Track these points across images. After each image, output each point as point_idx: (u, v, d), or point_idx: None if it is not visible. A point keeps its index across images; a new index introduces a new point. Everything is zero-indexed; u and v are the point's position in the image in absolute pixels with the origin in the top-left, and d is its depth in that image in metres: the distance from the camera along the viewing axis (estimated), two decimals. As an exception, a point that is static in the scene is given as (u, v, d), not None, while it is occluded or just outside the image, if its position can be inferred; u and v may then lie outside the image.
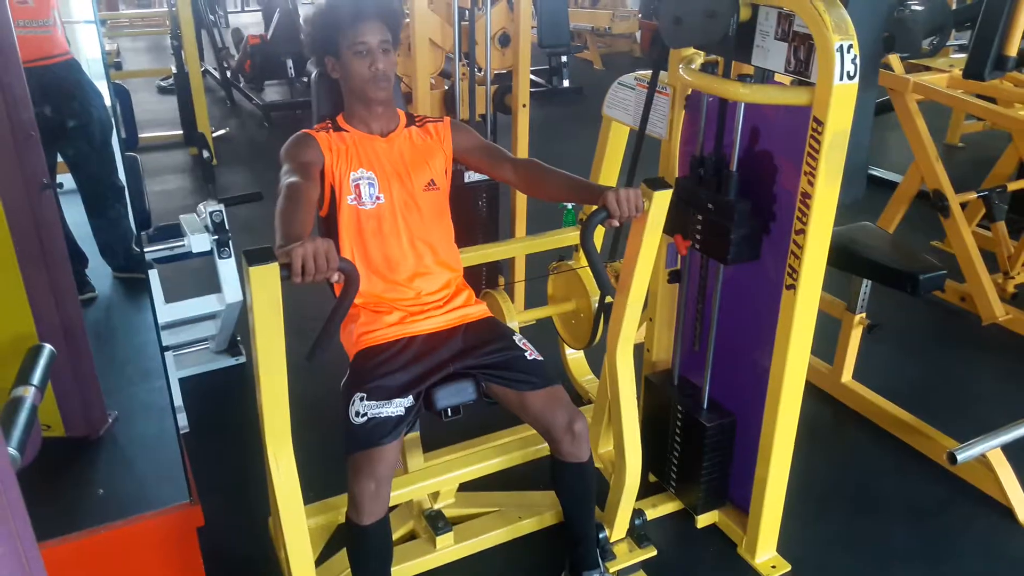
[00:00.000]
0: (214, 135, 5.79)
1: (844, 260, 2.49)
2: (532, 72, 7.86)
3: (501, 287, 3.25)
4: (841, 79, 1.59)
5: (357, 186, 1.85)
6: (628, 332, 1.96)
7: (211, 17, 7.24)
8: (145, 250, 2.37)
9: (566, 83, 7.32)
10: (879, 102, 3.84)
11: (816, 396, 2.83)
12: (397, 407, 1.74)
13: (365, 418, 1.71)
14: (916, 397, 2.78)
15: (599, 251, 2.30)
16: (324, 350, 1.56)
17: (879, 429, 2.68)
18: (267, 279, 1.39)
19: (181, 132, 5.73)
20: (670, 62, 2.00)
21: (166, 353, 2.63)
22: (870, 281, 2.58)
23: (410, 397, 1.77)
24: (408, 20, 2.66)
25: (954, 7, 4.78)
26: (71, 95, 2.98)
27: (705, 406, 2.13)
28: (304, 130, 1.89)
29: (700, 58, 1.97)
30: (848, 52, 1.58)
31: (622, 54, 9.10)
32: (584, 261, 2.70)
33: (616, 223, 1.69)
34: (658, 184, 1.75)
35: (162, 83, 7.38)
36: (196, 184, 5.26)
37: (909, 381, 2.97)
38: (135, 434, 2.73)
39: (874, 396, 2.72)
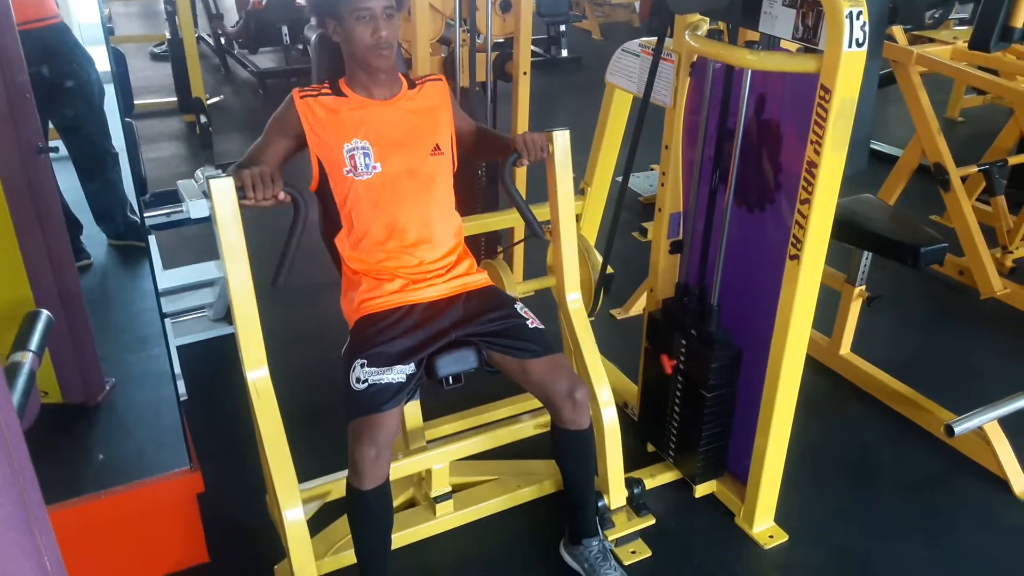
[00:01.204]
0: (209, 102, 5.71)
1: (845, 232, 2.48)
2: (531, 41, 7.78)
3: (500, 256, 3.24)
4: (850, 46, 1.57)
5: (352, 157, 1.82)
6: (571, 268, 2.08)
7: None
8: (144, 216, 2.34)
9: (564, 53, 7.24)
10: (881, 74, 3.82)
11: (815, 368, 2.83)
12: (398, 374, 1.73)
13: (366, 384, 1.70)
14: (914, 370, 2.79)
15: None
16: (287, 274, 1.72)
17: (877, 402, 2.69)
18: (224, 191, 1.63)
19: (175, 99, 5.65)
20: (675, 28, 1.98)
21: (166, 321, 2.61)
22: (870, 253, 2.58)
23: (411, 364, 1.76)
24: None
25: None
26: (61, 59, 2.93)
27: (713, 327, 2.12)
28: (296, 90, 1.87)
29: (706, 24, 1.94)
30: (857, 19, 1.56)
31: (621, 24, 9.00)
32: (584, 228, 2.69)
33: (525, 162, 1.91)
34: (557, 128, 1.96)
35: (155, 49, 7.28)
36: (191, 151, 5.20)
37: (907, 354, 2.98)
38: (133, 401, 2.72)
39: (872, 369, 2.73)
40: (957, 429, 2.25)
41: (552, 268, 2.81)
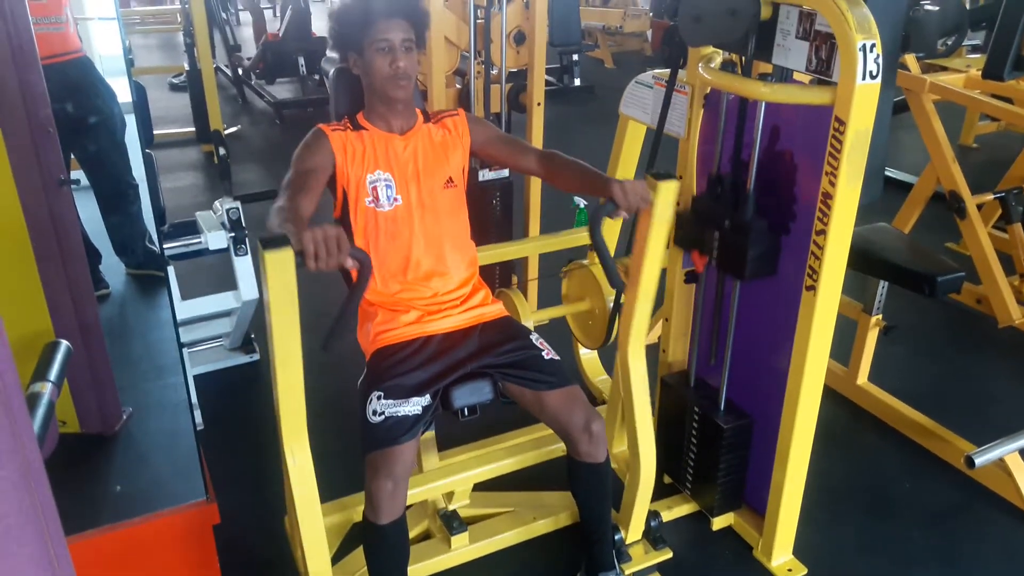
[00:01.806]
0: (226, 132, 5.80)
1: (861, 261, 2.47)
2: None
3: (515, 286, 3.25)
4: (864, 79, 1.57)
5: (375, 188, 1.84)
6: (640, 328, 1.96)
7: (223, 15, 7.25)
8: (164, 247, 2.37)
9: (577, 82, 7.30)
10: (895, 102, 3.82)
11: (832, 398, 2.81)
12: (414, 406, 1.73)
13: (382, 417, 1.70)
14: (932, 399, 2.77)
15: (613, 249, 2.30)
16: (339, 339, 1.58)
17: (895, 432, 2.66)
18: (282, 264, 1.40)
19: (194, 129, 5.74)
20: (689, 60, 1.99)
21: (182, 351, 2.63)
22: (887, 283, 2.57)
23: (427, 396, 1.77)
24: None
25: (968, 7, 4.76)
26: (85, 94, 2.99)
27: (722, 407, 2.12)
28: (320, 125, 1.89)
29: (719, 56, 1.96)
30: (871, 51, 1.56)
31: (633, 53, 9.08)
32: (598, 259, 2.69)
33: (624, 214, 1.72)
34: (664, 176, 1.76)
35: (174, 80, 7.40)
36: (209, 181, 5.27)
37: (925, 383, 2.96)
38: (150, 431, 2.74)
39: (890, 398, 2.71)
40: (978, 461, 2.22)
41: (567, 297, 2.81)
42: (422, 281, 1.89)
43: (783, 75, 1.82)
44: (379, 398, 1.73)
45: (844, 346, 2.74)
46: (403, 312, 1.88)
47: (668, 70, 2.10)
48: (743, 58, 1.82)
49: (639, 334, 1.97)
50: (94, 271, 3.55)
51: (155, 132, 6.04)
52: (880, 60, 1.58)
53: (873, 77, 1.58)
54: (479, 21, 2.73)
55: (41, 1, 2.90)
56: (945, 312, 3.45)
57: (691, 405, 2.17)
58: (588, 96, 7.27)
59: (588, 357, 2.90)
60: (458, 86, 2.99)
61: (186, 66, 5.82)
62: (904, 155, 5.39)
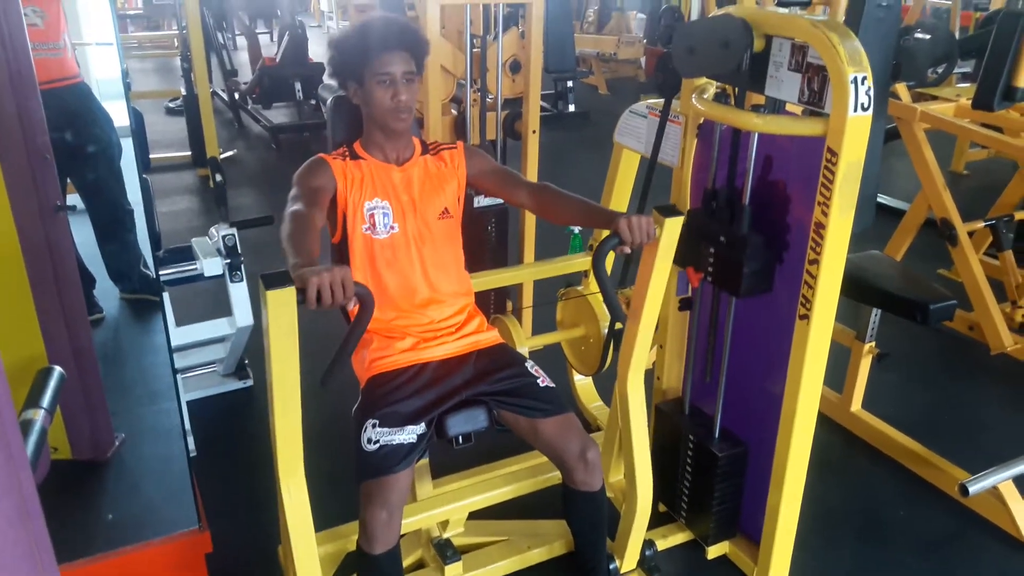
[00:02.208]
0: (222, 156, 5.82)
1: (854, 289, 2.48)
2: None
3: (509, 312, 3.26)
4: (855, 111, 1.59)
5: (372, 215, 1.85)
6: (639, 360, 1.96)
7: (220, 39, 7.30)
8: (160, 273, 2.37)
9: (572, 108, 7.35)
10: (886, 129, 3.87)
11: (826, 425, 2.81)
12: (409, 434, 1.73)
13: (377, 445, 1.70)
14: (926, 426, 2.77)
15: (609, 277, 2.31)
16: (337, 375, 1.56)
17: (889, 459, 2.67)
18: (284, 303, 1.40)
19: (189, 153, 5.76)
20: (683, 91, 2.02)
21: (176, 377, 2.63)
22: (879, 310, 2.58)
23: (422, 424, 1.76)
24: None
25: (958, 37, 4.83)
26: (83, 121, 2.99)
27: (716, 435, 2.12)
28: (320, 154, 1.90)
29: (712, 87, 1.98)
30: (862, 84, 1.59)
31: (627, 79, 9.16)
32: (594, 287, 2.70)
33: (628, 250, 1.71)
34: (669, 211, 1.76)
35: (170, 104, 7.43)
36: (204, 205, 5.28)
37: (918, 410, 2.96)
38: (142, 457, 2.72)
39: (884, 426, 2.71)
40: (971, 489, 2.22)
41: (562, 323, 2.82)
42: (418, 308, 1.90)
43: (775, 106, 1.85)
44: (374, 426, 1.73)
45: (837, 373, 2.75)
46: (399, 339, 1.89)
47: (662, 100, 2.13)
48: (736, 89, 1.85)
49: (639, 366, 1.98)
50: (88, 295, 3.54)
51: (151, 156, 6.07)
52: (871, 92, 1.60)
53: (865, 109, 1.60)
54: (475, 50, 2.75)
55: (39, 27, 2.92)
56: (938, 339, 3.46)
57: (685, 433, 2.17)
58: (583, 122, 7.32)
59: (583, 383, 2.90)
60: (454, 112, 3.01)
61: (183, 91, 5.85)
62: (896, 182, 5.43)
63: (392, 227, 1.86)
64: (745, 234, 1.86)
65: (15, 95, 2.16)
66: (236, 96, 7.14)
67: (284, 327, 1.42)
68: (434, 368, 1.87)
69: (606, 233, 1.73)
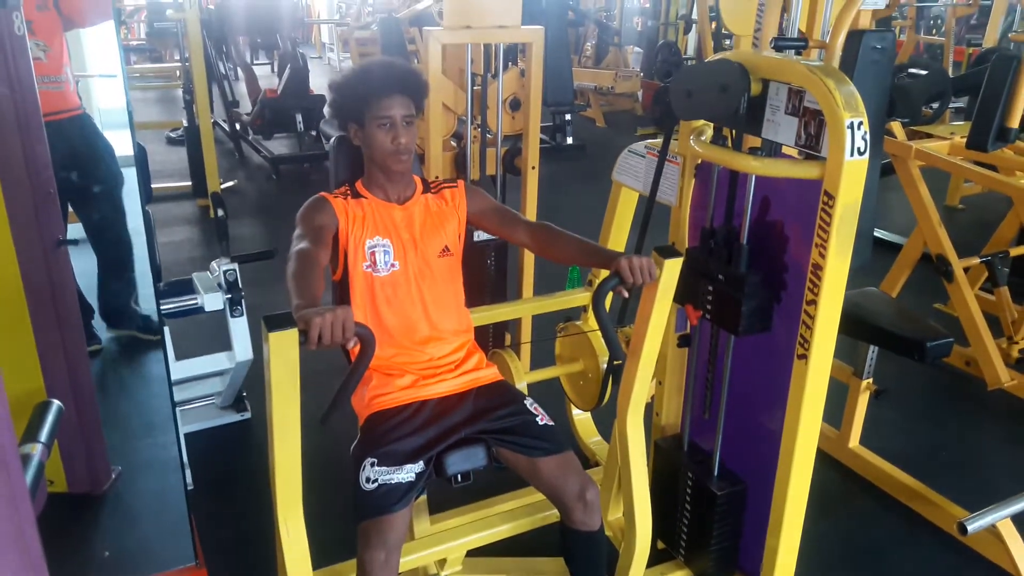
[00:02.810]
0: (222, 187, 5.85)
1: (850, 326, 2.49)
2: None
3: (508, 346, 3.26)
4: (852, 155, 1.62)
5: (372, 253, 1.87)
6: (639, 399, 1.97)
7: (222, 71, 7.37)
8: (161, 307, 2.38)
9: (570, 140, 7.43)
10: (881, 164, 3.91)
11: (824, 461, 2.81)
12: (408, 473, 1.73)
13: (376, 484, 1.70)
14: (924, 462, 2.78)
15: (608, 313, 2.32)
16: (337, 414, 1.57)
17: (887, 496, 2.66)
18: (286, 345, 1.41)
19: (190, 183, 5.80)
20: (680, 133, 2.05)
21: (176, 411, 2.62)
22: (877, 347, 2.59)
23: (421, 463, 1.76)
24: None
25: (951, 74, 4.89)
26: (81, 151, 3.02)
27: (716, 473, 2.12)
28: (322, 193, 1.92)
29: (710, 129, 2.01)
30: (859, 129, 1.61)
31: (624, 112, 9.25)
32: (593, 323, 2.71)
33: (627, 293, 1.74)
34: (669, 252, 1.78)
35: (171, 134, 7.49)
36: (204, 236, 5.31)
37: (916, 446, 2.96)
38: (139, 490, 2.71)
39: (882, 462, 2.71)
40: (970, 527, 2.22)
41: (561, 358, 2.83)
42: (418, 346, 1.91)
43: (772, 148, 1.87)
44: (372, 465, 1.73)
45: (835, 408, 2.76)
46: (398, 376, 1.89)
47: (660, 140, 2.15)
48: (734, 132, 1.87)
49: (638, 404, 1.98)
50: (87, 326, 3.55)
51: (153, 185, 6.10)
52: (867, 137, 1.62)
53: (861, 153, 1.63)
54: (476, 88, 2.79)
55: (42, 60, 2.96)
56: (935, 374, 3.47)
57: (684, 470, 2.17)
58: (580, 154, 7.39)
59: (581, 418, 2.90)
60: (454, 144, 3.04)
61: (184, 122, 5.90)
62: (891, 216, 5.47)
63: (393, 265, 1.88)
64: (743, 272, 1.88)
65: (20, 133, 2.18)
66: (237, 127, 7.20)
67: (286, 368, 1.43)
68: (433, 406, 1.87)
69: (606, 272, 1.75)
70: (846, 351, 2.72)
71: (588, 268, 2.75)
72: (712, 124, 2.01)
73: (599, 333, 2.76)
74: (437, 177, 2.75)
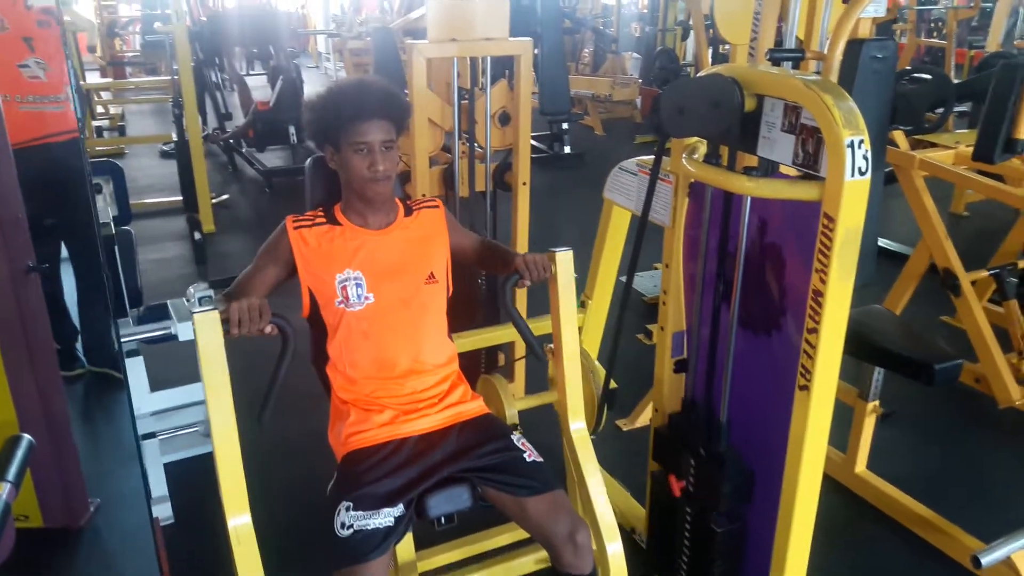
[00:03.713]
0: (214, 201, 5.76)
1: (855, 347, 2.39)
2: (533, 138, 7.86)
3: (502, 365, 3.17)
4: (852, 175, 1.52)
5: (344, 288, 1.78)
6: (575, 400, 1.98)
7: (214, 81, 7.29)
8: (123, 339, 2.29)
9: (567, 149, 7.34)
10: (884, 172, 3.80)
11: (829, 486, 2.70)
12: (386, 517, 1.63)
13: (351, 530, 1.60)
14: (934, 488, 2.67)
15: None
16: (271, 410, 1.67)
17: (896, 524, 2.55)
18: (209, 324, 1.57)
19: (181, 198, 5.71)
20: (672, 150, 1.95)
21: (149, 441, 2.53)
22: (883, 368, 2.49)
23: (400, 506, 1.66)
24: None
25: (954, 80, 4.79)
26: (72, 173, 2.93)
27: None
28: (289, 219, 1.83)
29: (703, 146, 1.91)
30: (859, 148, 1.51)
31: (623, 120, 9.15)
32: (586, 341, 2.62)
33: (528, 283, 1.84)
34: (560, 249, 1.90)
35: (165, 148, 7.41)
36: (196, 252, 5.22)
37: (926, 470, 2.85)
38: (118, 524, 2.61)
39: (890, 488, 2.60)
40: (984, 560, 2.11)
41: (554, 381, 2.72)
42: (397, 380, 1.81)
43: (768, 168, 1.77)
44: (348, 509, 1.63)
45: (841, 431, 2.65)
46: (376, 412, 1.79)
47: (652, 158, 2.06)
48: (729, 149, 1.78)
49: (576, 406, 1.99)
50: (71, 349, 3.46)
51: (143, 200, 6.05)
52: (869, 155, 1.53)
53: (862, 173, 1.53)
54: (463, 102, 2.70)
55: (41, 80, 2.87)
56: (944, 392, 3.36)
57: (683, 504, 2.07)
58: (578, 163, 7.30)
59: (576, 444, 2.79)
60: (445, 162, 2.95)
61: (174, 136, 5.82)
62: (895, 224, 5.36)
63: (367, 297, 1.78)
64: (723, 451, 1.94)
65: (-16, 156, 2.09)
66: (222, 141, 7.11)
67: (213, 349, 1.57)
68: (414, 443, 1.77)
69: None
70: (851, 372, 2.61)
71: (581, 288, 2.66)
72: (705, 141, 1.92)
73: (592, 355, 2.67)
74: (424, 195, 2.66)
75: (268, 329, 1.60)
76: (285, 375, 1.66)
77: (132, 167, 7.33)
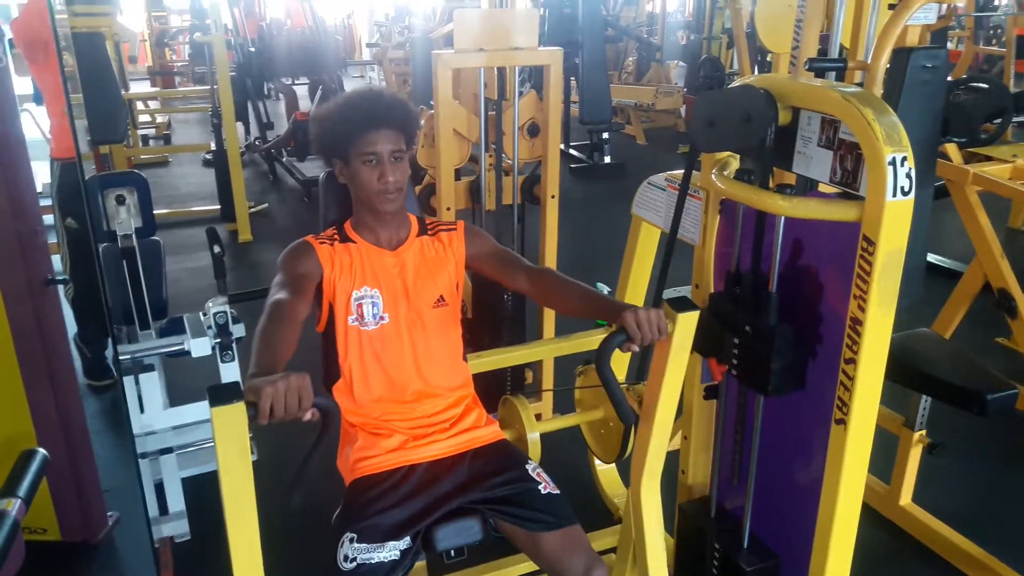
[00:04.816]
0: (252, 210, 5.79)
1: (900, 373, 2.25)
2: (573, 147, 7.80)
3: (528, 384, 3.08)
4: (894, 195, 1.40)
5: (360, 306, 1.70)
6: (654, 466, 1.76)
7: (257, 90, 7.32)
8: (136, 353, 2.26)
9: (607, 159, 7.22)
10: (936, 186, 3.62)
11: (871, 519, 2.55)
12: (391, 551, 1.55)
13: (354, 564, 1.53)
14: (986, 524, 2.50)
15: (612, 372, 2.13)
16: (303, 490, 1.42)
17: (942, 561, 2.39)
18: (232, 420, 1.25)
19: (220, 207, 5.76)
20: (703, 165, 1.84)
21: (167, 456, 2.49)
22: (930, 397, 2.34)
23: (407, 538, 1.58)
24: (432, 112, 2.56)
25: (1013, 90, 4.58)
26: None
27: (745, 545, 1.90)
28: (307, 237, 1.77)
29: (736, 161, 1.80)
30: (902, 165, 1.39)
31: (666, 129, 9.00)
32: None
33: (635, 348, 1.53)
34: (683, 305, 1.59)
35: (207, 156, 7.49)
36: (232, 261, 5.23)
37: (977, 505, 2.68)
38: (135, 538, 2.58)
39: (937, 524, 2.44)
40: (1040, 607, 1.96)
41: (581, 403, 2.62)
42: (409, 403, 1.73)
43: (807, 186, 1.66)
44: (351, 541, 1.55)
45: (884, 460, 2.50)
46: (385, 436, 1.72)
47: (681, 172, 1.95)
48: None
49: (653, 472, 1.78)
50: (102, 359, 3.47)
51: (183, 209, 6.11)
52: (912, 174, 1.40)
53: (905, 193, 1.41)
54: (490, 113, 2.62)
55: None
56: (999, 421, 3.16)
57: (711, 539, 1.95)
58: (618, 173, 7.17)
59: (605, 470, 2.69)
60: (472, 174, 2.87)
61: (213, 145, 5.87)
62: (947, 239, 5.13)
63: (382, 317, 1.71)
64: (772, 326, 1.66)
65: (1, 164, 2.07)
66: (263, 151, 7.16)
67: (234, 445, 1.26)
68: (423, 471, 1.69)
69: None
70: (896, 398, 2.46)
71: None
72: (738, 155, 1.81)
73: (620, 376, 2.56)
74: (449, 208, 2.58)
75: (307, 416, 1.30)
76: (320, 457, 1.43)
77: (175, 175, 7.43)
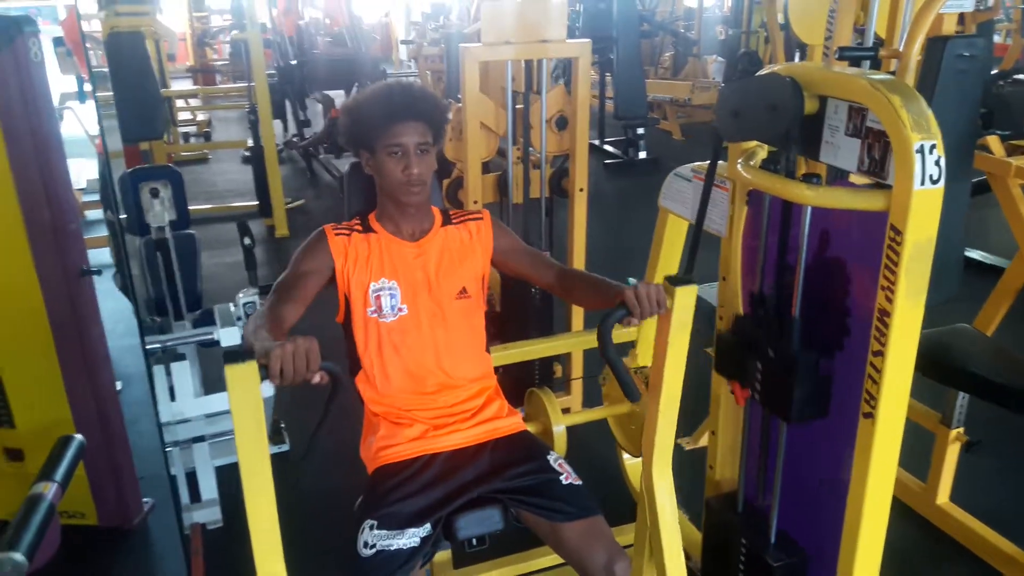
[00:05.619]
0: (289, 206, 5.86)
1: (937, 370, 2.20)
2: (607, 143, 7.74)
3: (558, 375, 3.07)
4: (923, 183, 1.36)
5: (378, 297, 1.71)
6: (664, 444, 1.77)
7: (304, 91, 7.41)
8: (168, 342, 2.30)
9: (642, 155, 7.17)
10: (976, 181, 3.53)
11: (906, 517, 2.50)
12: (411, 538, 1.56)
13: (374, 550, 1.54)
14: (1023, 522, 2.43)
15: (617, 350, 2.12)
16: (315, 451, 1.54)
17: (980, 562, 2.34)
18: (245, 379, 1.33)
19: (257, 203, 5.84)
20: (729, 155, 1.82)
21: (200, 444, 2.54)
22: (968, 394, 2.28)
23: (427, 525, 1.59)
24: (460, 105, 2.56)
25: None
26: None
27: (773, 540, 1.87)
28: (326, 227, 1.79)
29: (763, 151, 1.77)
30: (931, 153, 1.36)
31: (703, 124, 8.89)
32: (639, 361, 2.49)
33: (636, 321, 1.56)
34: (681, 280, 1.61)
35: (246, 153, 7.60)
36: (267, 256, 5.31)
37: (1015, 503, 2.61)
38: (170, 524, 2.63)
39: (975, 523, 2.39)
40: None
41: (608, 397, 2.61)
42: (430, 394, 1.74)
43: (835, 175, 1.63)
44: (372, 527, 1.56)
45: (921, 456, 2.45)
46: (407, 426, 1.73)
47: (707, 163, 1.93)
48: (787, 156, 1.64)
49: (664, 453, 1.78)
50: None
51: (221, 205, 6.21)
52: (942, 162, 1.37)
53: (934, 182, 1.37)
54: (518, 106, 2.62)
55: None
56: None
57: (737, 536, 1.92)
58: (653, 169, 7.10)
59: (633, 464, 2.67)
60: (500, 169, 2.88)
61: (250, 142, 5.95)
62: (990, 234, 4.99)
63: (401, 309, 1.72)
64: (795, 352, 1.66)
65: (37, 158, 2.13)
66: (300, 148, 7.24)
67: (248, 404, 1.34)
68: (444, 460, 1.70)
69: None
70: (933, 394, 2.41)
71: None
72: (765, 145, 1.78)
73: (646, 372, 2.54)
74: (476, 201, 2.59)
75: (316, 379, 1.36)
76: (330, 420, 1.48)
77: (214, 171, 7.55)
